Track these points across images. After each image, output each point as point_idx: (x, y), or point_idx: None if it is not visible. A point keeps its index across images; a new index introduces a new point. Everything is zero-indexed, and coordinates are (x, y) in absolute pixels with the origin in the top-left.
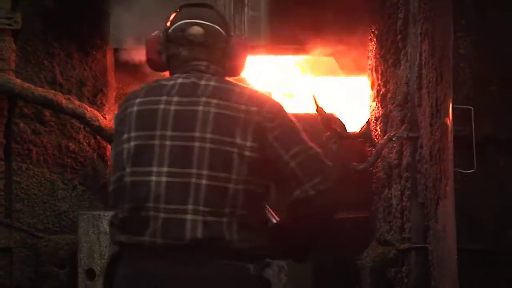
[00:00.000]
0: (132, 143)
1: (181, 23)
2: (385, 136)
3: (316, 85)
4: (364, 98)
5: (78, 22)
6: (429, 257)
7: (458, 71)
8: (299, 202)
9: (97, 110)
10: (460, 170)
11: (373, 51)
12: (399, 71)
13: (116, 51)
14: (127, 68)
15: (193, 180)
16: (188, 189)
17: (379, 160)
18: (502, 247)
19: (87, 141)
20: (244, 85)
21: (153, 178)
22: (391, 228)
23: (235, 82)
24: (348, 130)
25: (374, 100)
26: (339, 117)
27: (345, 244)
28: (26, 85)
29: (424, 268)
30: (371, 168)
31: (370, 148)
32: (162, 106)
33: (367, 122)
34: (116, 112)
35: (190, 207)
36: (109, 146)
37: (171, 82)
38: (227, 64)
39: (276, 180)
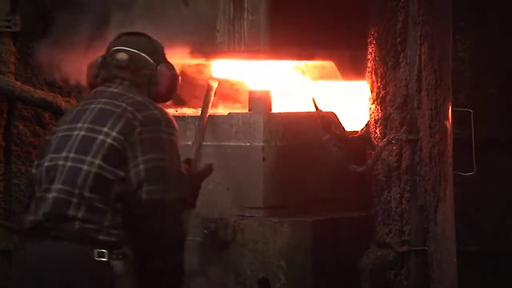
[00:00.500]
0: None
1: (112, 50)
2: (384, 138)
3: (316, 89)
4: (364, 102)
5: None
6: (428, 260)
7: (457, 73)
8: (134, 201)
9: None
10: (459, 173)
11: (373, 54)
12: (398, 74)
13: None
14: None
15: (61, 162)
16: (56, 170)
17: (378, 162)
18: (502, 250)
19: None
20: (152, 101)
21: (44, 163)
22: (390, 230)
23: (141, 96)
24: (347, 133)
25: (373, 103)
26: (338, 120)
27: (344, 247)
28: (26, 87)
29: (423, 270)
30: (370, 171)
31: (369, 151)
32: (78, 108)
33: (366, 124)
34: None
35: (54, 186)
36: None
37: (101, 90)
38: (152, 89)
39: (124, 173)
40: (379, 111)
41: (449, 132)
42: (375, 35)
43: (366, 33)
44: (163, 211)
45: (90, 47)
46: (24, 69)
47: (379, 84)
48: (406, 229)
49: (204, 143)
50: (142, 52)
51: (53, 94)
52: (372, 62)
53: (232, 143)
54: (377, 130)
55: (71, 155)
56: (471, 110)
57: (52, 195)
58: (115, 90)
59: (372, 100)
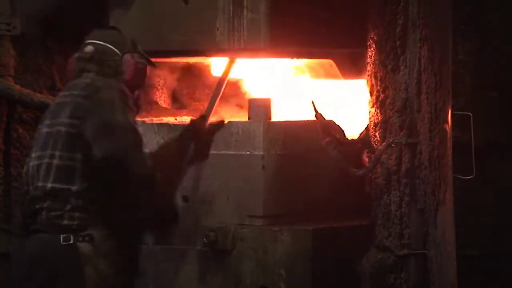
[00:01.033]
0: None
1: (83, 43)
2: (384, 142)
3: (315, 88)
4: (364, 101)
5: (78, 28)
6: (428, 263)
7: (457, 77)
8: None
9: None
10: (459, 176)
11: (372, 57)
12: (398, 77)
13: None
14: None
15: (32, 162)
16: (28, 171)
17: (378, 166)
18: (501, 253)
19: None
20: (111, 86)
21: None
22: (390, 234)
23: (105, 81)
24: (347, 136)
25: (373, 106)
26: (338, 123)
27: (344, 255)
28: (25, 91)
29: (423, 274)
30: (370, 174)
31: (369, 154)
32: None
33: (366, 128)
34: None
35: (35, 184)
36: None
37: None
38: (119, 78)
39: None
40: (379, 115)
41: (448, 136)
42: (375, 38)
43: (366, 31)
44: (120, 163)
45: None
46: (24, 73)
47: (378, 87)
48: (405, 232)
49: None
50: (108, 43)
51: (52, 97)
52: (371, 65)
53: (232, 152)
54: (377, 134)
55: (37, 153)
56: (470, 114)
57: (30, 194)
58: (78, 80)
59: (371, 104)
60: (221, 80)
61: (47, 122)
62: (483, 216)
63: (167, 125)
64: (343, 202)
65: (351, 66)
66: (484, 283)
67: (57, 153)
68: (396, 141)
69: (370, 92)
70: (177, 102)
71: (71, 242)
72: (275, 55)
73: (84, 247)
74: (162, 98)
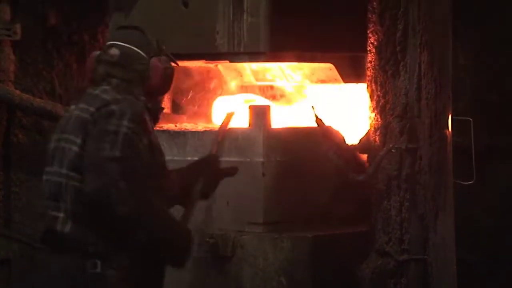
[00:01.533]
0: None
1: (106, 45)
2: (384, 147)
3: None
4: (364, 106)
5: (78, 33)
6: (428, 269)
7: (457, 81)
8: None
9: None
10: (459, 182)
11: (372, 62)
12: (398, 82)
13: None
14: None
15: (49, 177)
16: (48, 186)
17: (378, 171)
18: (501, 258)
19: None
20: (122, 97)
21: (45, 178)
22: (390, 239)
23: (121, 95)
24: (347, 141)
25: (373, 111)
26: (338, 129)
27: (345, 262)
28: (25, 96)
29: (423, 279)
30: (370, 180)
31: (369, 160)
32: (67, 114)
33: (366, 133)
34: None
35: (47, 202)
36: None
37: (88, 92)
38: (146, 84)
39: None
40: (379, 120)
41: (449, 141)
42: (375, 43)
43: (366, 36)
44: (106, 198)
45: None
46: (24, 78)
47: (378, 92)
48: (405, 237)
49: None
50: (134, 46)
51: (52, 102)
52: (371, 70)
53: (232, 159)
54: (377, 139)
55: (54, 169)
56: (471, 119)
57: (46, 211)
58: (96, 92)
59: (372, 109)
60: (221, 130)
61: (64, 135)
62: (483, 221)
63: (167, 132)
64: (343, 208)
65: (351, 71)
66: None
67: (69, 173)
68: (396, 146)
69: (370, 97)
70: (177, 107)
71: (99, 270)
72: (275, 59)
73: (111, 275)
74: (162, 103)
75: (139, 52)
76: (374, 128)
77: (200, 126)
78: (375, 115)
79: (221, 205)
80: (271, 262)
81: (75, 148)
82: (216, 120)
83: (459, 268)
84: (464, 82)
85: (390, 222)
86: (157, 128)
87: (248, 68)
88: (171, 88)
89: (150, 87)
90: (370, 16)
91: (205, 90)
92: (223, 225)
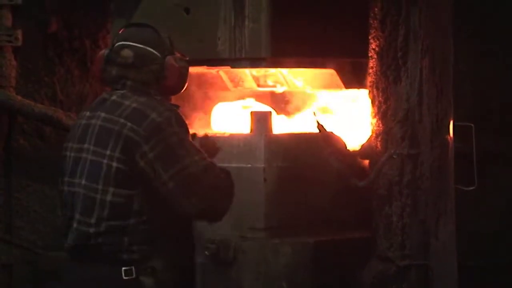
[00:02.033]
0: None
1: (116, 45)
2: (385, 152)
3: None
4: (365, 111)
5: (79, 39)
6: (429, 274)
7: (458, 87)
8: (183, 215)
9: None
10: (460, 187)
11: (374, 68)
12: (399, 88)
13: None
14: None
15: (77, 189)
16: (73, 198)
17: (379, 176)
18: (503, 264)
19: None
20: (151, 102)
21: (66, 188)
22: (391, 245)
23: (143, 98)
24: (348, 147)
25: (374, 117)
26: (339, 134)
27: (346, 267)
28: (26, 101)
29: (424, 285)
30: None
31: (370, 165)
32: (84, 121)
33: (367, 139)
34: None
35: (75, 216)
36: None
37: (104, 97)
38: (161, 84)
39: (152, 194)
40: (380, 125)
41: (450, 146)
42: (376, 49)
43: (368, 41)
44: (213, 216)
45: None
46: (25, 84)
47: (380, 98)
48: (407, 243)
49: None
50: (148, 46)
51: (53, 108)
52: (373, 75)
53: (233, 164)
54: (378, 144)
55: (83, 182)
56: (472, 125)
57: (75, 225)
58: (114, 97)
59: (373, 114)
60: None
61: (87, 146)
62: (484, 226)
63: None
64: (345, 214)
65: (353, 76)
66: None
67: (108, 189)
68: (397, 152)
69: (371, 103)
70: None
71: (134, 276)
72: (276, 65)
73: (146, 281)
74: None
75: (153, 52)
76: (376, 133)
77: (201, 131)
78: (377, 120)
79: None
80: (272, 268)
81: (113, 163)
82: (217, 126)
83: (460, 273)
84: (465, 88)
85: (391, 227)
86: None
87: (249, 74)
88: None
89: (166, 87)
90: (371, 21)
91: (206, 96)
92: (225, 231)
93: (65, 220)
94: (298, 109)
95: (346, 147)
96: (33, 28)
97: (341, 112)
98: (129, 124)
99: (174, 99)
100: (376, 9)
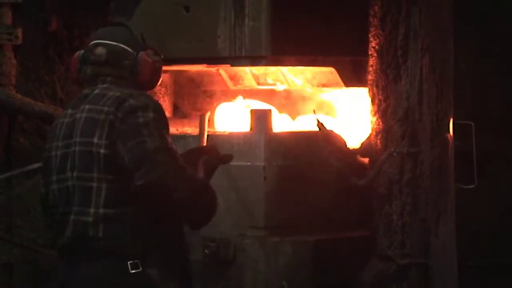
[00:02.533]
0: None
1: (90, 44)
2: (385, 151)
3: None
4: (365, 109)
5: (79, 38)
6: (429, 273)
7: (459, 87)
8: (138, 190)
9: None
10: (460, 186)
11: (374, 66)
12: (399, 86)
13: None
14: None
15: (69, 182)
16: (68, 192)
17: (379, 175)
18: (503, 263)
19: None
20: (134, 92)
21: (52, 185)
22: (391, 243)
23: (127, 90)
24: (348, 145)
25: (374, 115)
26: (339, 133)
27: (346, 266)
28: (26, 100)
29: (424, 284)
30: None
31: (370, 164)
32: (66, 120)
33: (367, 137)
34: None
35: (72, 208)
36: None
37: (86, 93)
38: (136, 79)
39: (121, 173)
40: (380, 124)
41: (450, 145)
42: (376, 47)
43: (368, 39)
44: (163, 188)
45: None
46: (25, 82)
47: (380, 96)
48: (407, 242)
49: None
50: (120, 43)
51: (53, 106)
52: (373, 74)
53: (233, 163)
54: (378, 143)
55: (75, 174)
56: (472, 123)
57: (72, 218)
58: (97, 91)
59: (373, 113)
60: (201, 135)
61: (74, 139)
62: (485, 225)
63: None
64: (345, 213)
65: (353, 75)
66: None
67: (102, 176)
68: (397, 150)
69: (371, 101)
70: (179, 111)
71: (140, 269)
72: (276, 63)
73: (153, 272)
74: (163, 107)
75: (125, 49)
76: (376, 132)
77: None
78: (377, 119)
79: (222, 210)
80: (272, 266)
81: (101, 151)
82: (218, 125)
83: (460, 272)
84: (465, 87)
85: (391, 226)
86: None
87: (249, 72)
88: (172, 91)
89: (140, 82)
90: (371, 20)
91: (206, 94)
92: (225, 229)
93: (57, 218)
94: (297, 108)
95: (346, 146)
96: (33, 26)
97: (341, 110)
98: (111, 109)
99: (174, 96)
100: (376, 7)
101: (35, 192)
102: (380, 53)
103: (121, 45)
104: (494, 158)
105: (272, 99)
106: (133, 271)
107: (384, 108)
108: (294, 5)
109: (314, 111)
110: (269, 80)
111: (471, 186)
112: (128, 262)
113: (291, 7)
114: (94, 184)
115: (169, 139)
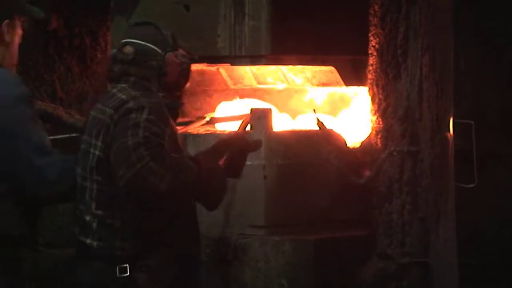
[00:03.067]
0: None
1: (120, 43)
2: (385, 150)
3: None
4: (365, 108)
5: (79, 36)
6: (429, 272)
7: (458, 85)
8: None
9: None
10: (460, 185)
11: (374, 65)
12: (399, 85)
13: None
14: None
15: (79, 179)
16: (78, 188)
17: (379, 174)
18: (503, 262)
19: None
20: (140, 94)
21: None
22: (391, 242)
23: (138, 92)
24: (348, 144)
25: (374, 114)
26: (339, 132)
27: (346, 265)
28: None
29: (424, 283)
30: (371, 183)
31: (370, 163)
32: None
33: (367, 136)
34: None
35: (80, 206)
36: None
37: (108, 91)
38: (163, 80)
39: (110, 176)
40: (380, 123)
41: (450, 144)
42: (376, 46)
43: (368, 38)
44: (144, 184)
45: None
46: (25, 81)
47: (380, 95)
48: (407, 241)
49: None
50: (149, 43)
51: (53, 105)
52: (373, 73)
53: None
54: (378, 142)
55: (79, 171)
56: (472, 122)
57: (78, 215)
58: (114, 90)
59: (373, 112)
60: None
61: (85, 137)
62: (485, 224)
63: None
64: (345, 211)
65: (353, 74)
66: None
67: (94, 177)
68: (397, 149)
69: (371, 100)
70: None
71: (128, 274)
72: (277, 62)
73: (141, 277)
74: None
75: (154, 48)
76: (376, 131)
77: (202, 129)
78: (377, 118)
79: (222, 208)
80: (272, 265)
81: (96, 152)
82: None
83: (460, 271)
84: (465, 87)
85: (391, 225)
86: None
87: (249, 72)
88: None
89: (167, 83)
90: (371, 19)
91: (206, 94)
92: (224, 228)
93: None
94: (297, 107)
95: (346, 145)
96: (33, 25)
97: (341, 109)
98: (111, 112)
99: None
100: (376, 6)
101: None
102: (380, 52)
103: (149, 45)
104: (494, 157)
105: (272, 98)
106: (122, 275)
107: (384, 107)
108: (294, 4)
109: (314, 110)
110: (269, 79)
111: (471, 185)
112: (117, 266)
113: (291, 6)
114: (87, 184)
115: (165, 136)
